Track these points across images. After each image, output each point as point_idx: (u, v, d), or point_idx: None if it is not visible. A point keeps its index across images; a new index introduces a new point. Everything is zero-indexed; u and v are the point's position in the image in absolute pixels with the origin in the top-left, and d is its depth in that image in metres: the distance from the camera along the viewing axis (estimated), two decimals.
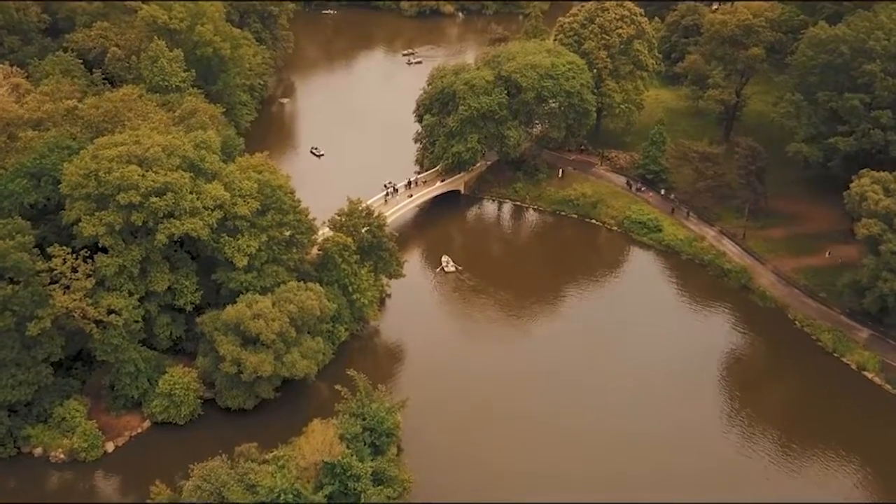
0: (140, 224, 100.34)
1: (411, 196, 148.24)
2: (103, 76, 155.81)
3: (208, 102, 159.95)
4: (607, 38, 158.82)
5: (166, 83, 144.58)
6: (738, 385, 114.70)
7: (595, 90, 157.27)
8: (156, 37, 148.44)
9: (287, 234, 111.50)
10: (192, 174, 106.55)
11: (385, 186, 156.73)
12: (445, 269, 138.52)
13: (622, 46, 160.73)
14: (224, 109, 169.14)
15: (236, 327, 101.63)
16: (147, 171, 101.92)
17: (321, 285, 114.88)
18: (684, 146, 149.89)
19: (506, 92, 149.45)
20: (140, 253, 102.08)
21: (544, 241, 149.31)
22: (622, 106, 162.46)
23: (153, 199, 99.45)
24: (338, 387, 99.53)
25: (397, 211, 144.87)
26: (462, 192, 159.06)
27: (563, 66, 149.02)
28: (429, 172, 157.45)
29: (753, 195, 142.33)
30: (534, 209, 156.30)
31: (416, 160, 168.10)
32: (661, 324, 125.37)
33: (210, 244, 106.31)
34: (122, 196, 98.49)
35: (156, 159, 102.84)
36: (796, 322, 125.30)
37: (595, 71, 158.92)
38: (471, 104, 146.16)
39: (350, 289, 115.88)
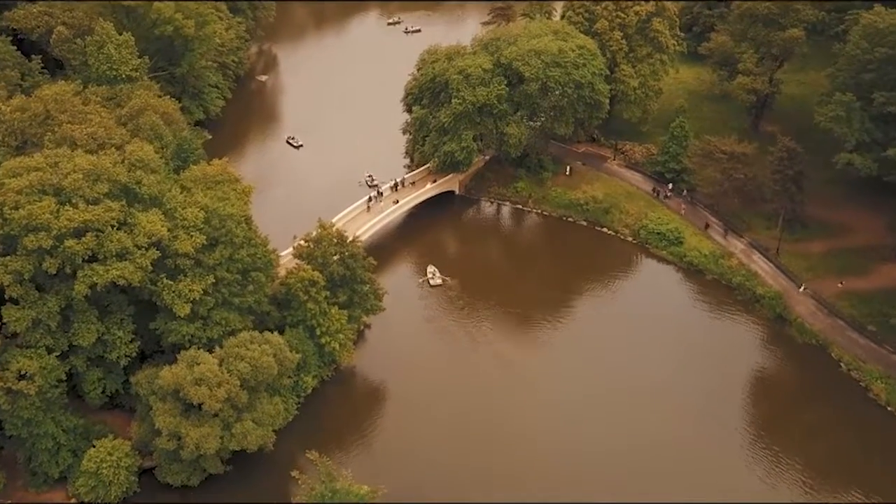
0: (55, 271, 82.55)
1: (397, 202, 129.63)
2: (48, 60, 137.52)
3: (166, 93, 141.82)
4: (622, 16, 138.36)
5: (115, 73, 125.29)
6: (768, 438, 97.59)
7: (608, 74, 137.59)
8: (101, 19, 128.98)
9: (240, 268, 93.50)
10: (124, 202, 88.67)
11: (367, 183, 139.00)
12: (430, 281, 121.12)
13: (639, 25, 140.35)
14: (190, 94, 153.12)
15: (175, 392, 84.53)
16: (64, 203, 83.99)
17: (284, 327, 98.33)
18: (710, 144, 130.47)
19: (506, 82, 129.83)
20: (58, 302, 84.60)
21: (548, 253, 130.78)
22: (638, 91, 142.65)
23: (69, 241, 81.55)
24: (294, 473, 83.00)
25: (381, 220, 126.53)
26: (456, 192, 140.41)
27: (572, 51, 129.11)
28: (418, 171, 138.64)
29: (790, 203, 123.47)
30: (537, 213, 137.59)
31: (406, 152, 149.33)
32: (678, 359, 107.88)
33: (146, 288, 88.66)
34: (31, 239, 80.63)
35: (76, 189, 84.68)
36: (842, 364, 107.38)
37: (608, 54, 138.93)
38: (465, 97, 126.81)
39: (318, 331, 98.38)
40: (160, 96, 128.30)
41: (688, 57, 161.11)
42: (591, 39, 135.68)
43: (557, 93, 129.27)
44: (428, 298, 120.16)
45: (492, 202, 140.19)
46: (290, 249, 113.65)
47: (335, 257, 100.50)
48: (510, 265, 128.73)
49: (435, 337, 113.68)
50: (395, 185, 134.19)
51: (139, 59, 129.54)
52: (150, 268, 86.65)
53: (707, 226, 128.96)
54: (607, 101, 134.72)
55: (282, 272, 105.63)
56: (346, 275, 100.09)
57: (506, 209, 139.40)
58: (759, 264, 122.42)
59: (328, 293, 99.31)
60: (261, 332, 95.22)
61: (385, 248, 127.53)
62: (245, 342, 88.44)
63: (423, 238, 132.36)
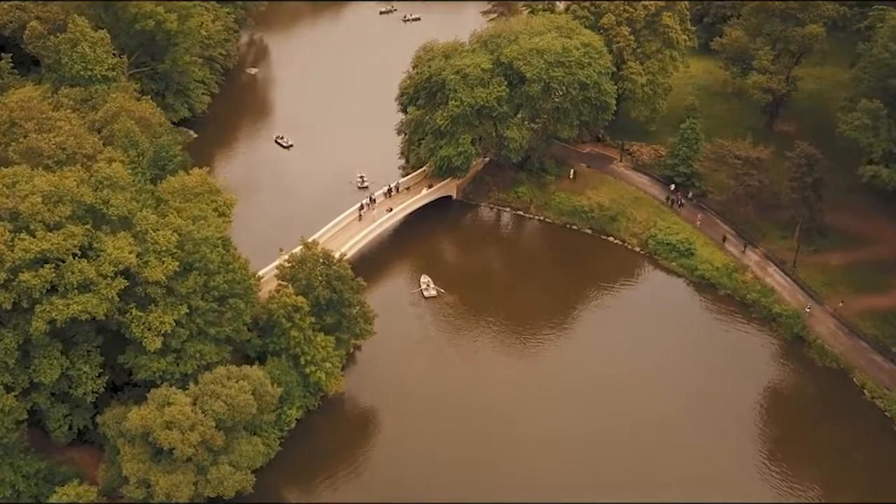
0: (10, 306, 75.46)
1: (391, 210, 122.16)
2: (23, 58, 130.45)
3: (149, 90, 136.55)
4: (631, 10, 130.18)
5: (89, 73, 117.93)
6: (782, 469, 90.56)
7: (615, 72, 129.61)
8: (76, 14, 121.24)
9: (216, 295, 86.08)
10: (90, 225, 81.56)
11: (357, 185, 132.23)
12: (425, 293, 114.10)
13: (649, 19, 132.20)
14: (175, 91, 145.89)
15: (145, 436, 77.68)
16: (21, 230, 76.83)
17: (266, 355, 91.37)
18: (723, 148, 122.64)
19: (506, 82, 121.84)
20: (16, 338, 77.55)
21: (550, 263, 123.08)
22: (646, 89, 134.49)
23: (24, 274, 74.46)
24: None
25: (373, 231, 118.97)
26: (454, 197, 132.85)
27: (577, 49, 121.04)
28: (413, 175, 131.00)
29: (808, 212, 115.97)
30: (539, 220, 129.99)
31: (401, 152, 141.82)
32: (688, 382, 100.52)
33: (114, 319, 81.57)
34: None
35: (34, 213, 77.42)
36: (865, 391, 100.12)
37: (615, 50, 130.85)
38: (463, 98, 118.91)
39: (302, 360, 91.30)
40: (139, 98, 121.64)
41: (698, 50, 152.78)
42: (597, 35, 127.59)
43: (560, 94, 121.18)
44: (423, 312, 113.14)
45: (491, 208, 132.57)
46: (277, 263, 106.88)
47: (321, 279, 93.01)
48: (510, 276, 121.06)
49: (430, 356, 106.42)
50: (389, 190, 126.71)
51: (116, 58, 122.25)
52: (117, 298, 79.53)
53: (724, 239, 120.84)
54: (614, 101, 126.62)
55: (267, 290, 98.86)
56: (332, 298, 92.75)
57: (506, 215, 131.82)
58: (775, 278, 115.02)
59: (313, 319, 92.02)
60: (240, 361, 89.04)
61: (377, 258, 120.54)
62: (221, 378, 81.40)
63: (418, 247, 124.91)
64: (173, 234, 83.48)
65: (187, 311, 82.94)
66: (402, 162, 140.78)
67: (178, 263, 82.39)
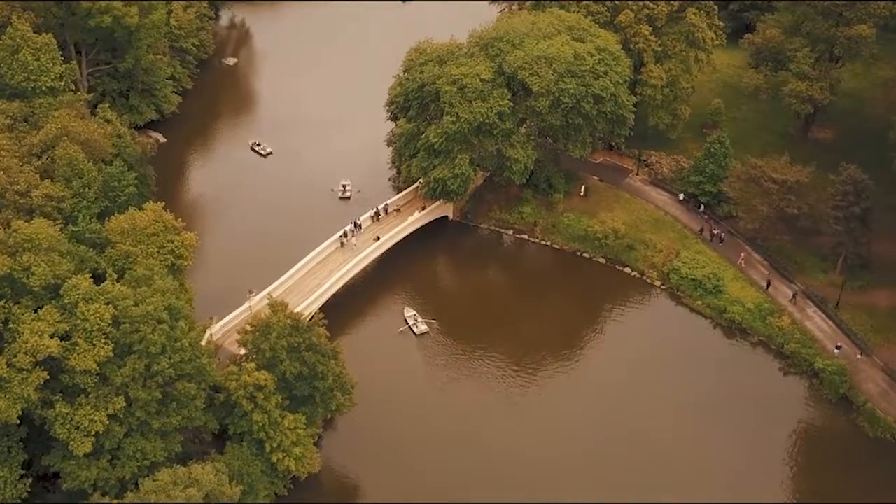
0: None
1: (378, 238, 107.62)
2: None
3: (110, 90, 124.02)
4: (651, 7, 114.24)
5: (33, 84, 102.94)
6: None
7: (633, 76, 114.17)
8: (14, 17, 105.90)
9: (160, 382, 72.12)
10: (4, 302, 67.63)
11: (339, 194, 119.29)
12: (414, 329, 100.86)
13: (672, 16, 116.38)
14: (140, 91, 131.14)
15: None
16: None
17: (224, 441, 77.91)
18: (756, 168, 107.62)
19: (509, 94, 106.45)
20: None
21: (557, 299, 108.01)
22: (665, 91, 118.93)
23: None
24: None
25: (358, 264, 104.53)
26: (450, 217, 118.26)
27: (591, 56, 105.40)
28: (404, 193, 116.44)
29: (853, 245, 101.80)
30: (545, 245, 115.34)
31: (392, 160, 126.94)
32: (707, 451, 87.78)
33: (35, 412, 67.95)
34: None
35: None
36: None
37: (634, 49, 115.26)
38: (459, 114, 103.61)
39: (268, 447, 77.61)
40: (93, 108, 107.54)
41: (724, 42, 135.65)
42: (613, 36, 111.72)
43: (571, 106, 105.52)
44: (413, 357, 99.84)
45: (492, 230, 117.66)
46: (247, 305, 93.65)
47: (288, 351, 78.54)
48: (513, 313, 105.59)
49: (421, 411, 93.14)
50: (377, 213, 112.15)
51: (63, 66, 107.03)
52: (33, 397, 65.80)
53: (769, 284, 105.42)
54: (632, 115, 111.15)
55: (233, 340, 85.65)
56: (302, 371, 78.62)
57: (508, 239, 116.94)
58: (816, 321, 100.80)
59: (280, 397, 78.08)
60: (193, 449, 75.65)
61: (361, 289, 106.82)
62: (166, 486, 67.66)
63: (410, 275, 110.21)
64: (108, 307, 69.33)
65: (125, 402, 69.06)
66: (394, 173, 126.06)
67: (112, 346, 68.45)
